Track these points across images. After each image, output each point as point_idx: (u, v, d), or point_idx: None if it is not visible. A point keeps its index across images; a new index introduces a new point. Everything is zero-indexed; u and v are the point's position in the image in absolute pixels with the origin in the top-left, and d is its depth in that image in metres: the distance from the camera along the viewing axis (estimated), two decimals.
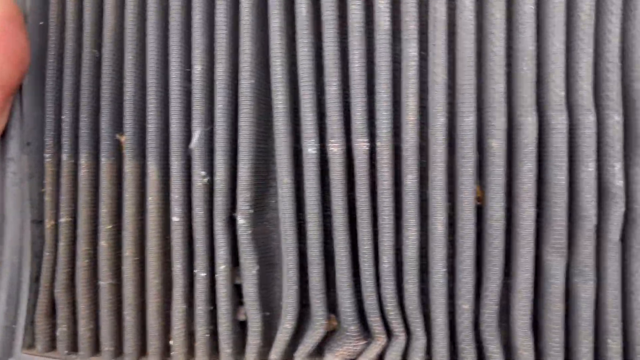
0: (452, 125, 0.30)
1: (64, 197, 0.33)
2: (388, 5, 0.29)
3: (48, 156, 0.34)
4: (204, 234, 0.31)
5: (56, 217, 0.34)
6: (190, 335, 0.32)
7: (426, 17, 0.30)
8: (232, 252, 0.31)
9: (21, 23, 0.33)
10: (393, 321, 0.30)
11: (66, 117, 0.34)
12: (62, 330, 0.33)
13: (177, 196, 0.32)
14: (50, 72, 0.34)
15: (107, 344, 0.33)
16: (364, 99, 0.30)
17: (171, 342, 0.32)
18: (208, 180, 0.32)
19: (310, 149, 0.30)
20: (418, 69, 0.29)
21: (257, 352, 0.31)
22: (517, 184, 0.29)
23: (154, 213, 0.32)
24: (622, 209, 0.28)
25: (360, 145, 0.30)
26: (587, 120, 0.28)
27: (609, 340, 0.29)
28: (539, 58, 0.29)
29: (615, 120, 0.28)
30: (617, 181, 0.28)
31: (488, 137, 0.29)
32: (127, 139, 0.32)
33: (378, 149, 0.30)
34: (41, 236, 0.34)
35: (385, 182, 0.29)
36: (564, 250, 0.29)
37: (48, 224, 0.34)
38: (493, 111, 0.29)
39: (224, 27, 0.31)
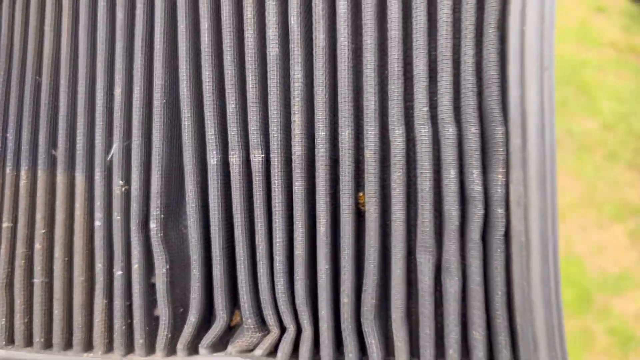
0: (336, 138, 0.33)
1: (6, 206, 0.38)
2: (276, 34, 0.33)
3: None
4: (121, 237, 0.35)
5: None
6: (110, 328, 0.36)
7: (311, 44, 0.34)
8: (147, 253, 0.35)
9: None
10: (284, 315, 0.33)
11: (10, 135, 0.38)
12: (0, 324, 0.37)
13: (98, 203, 0.36)
14: None
15: (37, 336, 0.37)
16: (258, 116, 0.33)
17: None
18: (126, 189, 0.36)
19: (212, 159, 0.34)
20: (303, 89, 0.33)
21: (167, 344, 0.35)
22: (390, 190, 0.32)
23: (81, 218, 0.36)
24: (482, 211, 0.31)
25: (256, 156, 0.34)
26: (448, 132, 0.31)
27: (474, 332, 0.31)
28: (407, 77, 0.32)
29: (472, 132, 0.31)
30: (475, 186, 0.31)
31: (365, 148, 0.33)
32: (59, 153, 0.37)
33: (271, 159, 0.33)
34: None
35: (277, 189, 0.33)
36: (432, 250, 0.32)
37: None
38: (367, 125, 0.32)
39: (140, 56, 0.35)
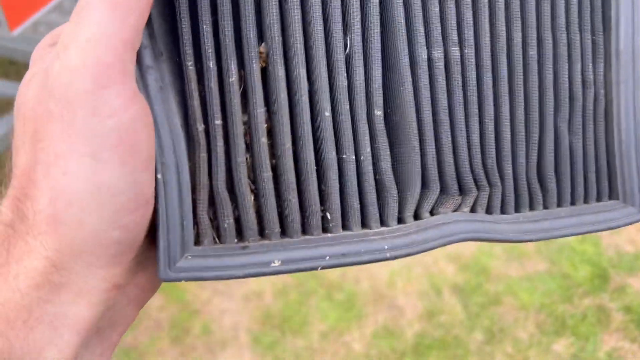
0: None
1: (215, 101, 0.36)
2: None
3: (189, 64, 0.36)
4: (350, 125, 0.38)
5: (205, 120, 0.36)
6: (342, 209, 0.39)
7: None
8: (373, 138, 0.39)
9: None
10: (480, 178, 0.42)
11: (207, 27, 0.36)
12: (229, 222, 0.36)
13: (324, 95, 0.38)
14: None
15: (275, 226, 0.37)
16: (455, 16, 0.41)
17: (328, 216, 0.38)
18: (347, 83, 0.39)
19: (422, 54, 0.40)
20: None
21: (394, 213, 0.40)
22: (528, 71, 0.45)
23: (307, 109, 0.38)
24: (593, 91, 0.46)
25: (455, 52, 0.41)
26: (576, 36, 0.45)
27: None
28: None
29: (588, 37, 0.45)
30: (589, 74, 0.46)
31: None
32: (274, 46, 0.37)
33: (466, 56, 0.41)
34: (189, 139, 0.36)
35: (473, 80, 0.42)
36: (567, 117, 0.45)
37: (199, 127, 0.36)
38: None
39: None
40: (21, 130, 0.31)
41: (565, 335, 1.81)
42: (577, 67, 0.45)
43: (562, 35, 0.44)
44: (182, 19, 0.36)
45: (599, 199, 0.48)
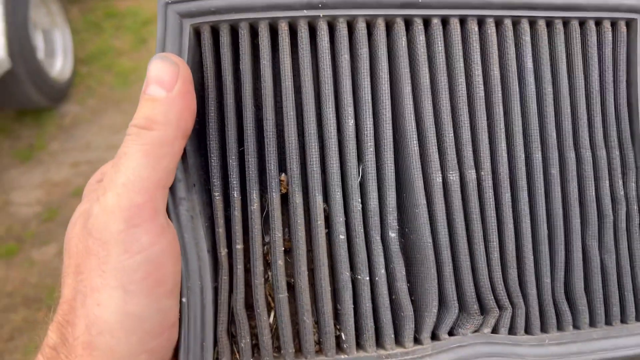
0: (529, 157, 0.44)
1: (237, 227, 0.40)
2: (480, 80, 0.43)
3: (217, 195, 0.40)
4: (364, 247, 0.41)
5: (228, 245, 0.40)
6: (356, 328, 0.40)
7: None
8: (387, 259, 0.41)
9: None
10: (502, 298, 0.42)
11: (233, 161, 0.40)
12: (245, 342, 0.39)
13: (340, 219, 0.40)
14: (212, 124, 0.41)
15: (289, 347, 0.39)
16: (468, 134, 0.43)
17: (342, 336, 0.40)
18: (361, 207, 0.41)
19: (437, 178, 0.42)
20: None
21: (410, 334, 0.41)
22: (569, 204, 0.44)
23: (322, 233, 0.40)
24: (624, 209, 0.45)
25: (470, 174, 0.42)
26: (602, 153, 0.45)
27: (626, 293, 0.45)
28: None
29: (615, 154, 0.45)
30: (620, 191, 0.45)
31: (552, 167, 0.44)
32: (293, 176, 0.40)
33: (483, 177, 0.43)
34: (213, 263, 0.40)
35: (490, 203, 0.42)
36: (597, 237, 0.44)
37: (223, 251, 0.40)
38: (565, 147, 0.44)
39: (366, 91, 0.41)
40: (67, 263, 0.36)
41: None
42: (605, 184, 0.45)
43: (587, 153, 0.44)
44: (212, 155, 0.40)
45: (639, 318, 0.45)
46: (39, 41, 2.27)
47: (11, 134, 2.32)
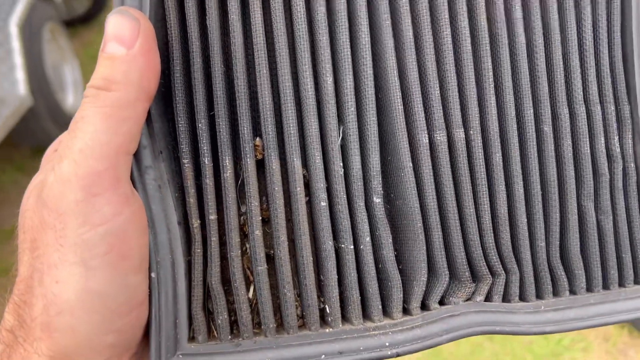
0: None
1: (210, 197, 0.37)
2: (467, 31, 0.40)
3: (186, 162, 0.37)
4: (347, 215, 0.38)
5: (201, 216, 0.37)
6: (343, 300, 0.38)
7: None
8: (372, 227, 0.38)
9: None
10: (494, 264, 0.40)
11: (202, 125, 0.37)
12: (223, 318, 0.36)
13: (320, 185, 0.38)
14: (178, 86, 0.37)
15: (270, 322, 0.36)
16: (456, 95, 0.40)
17: (327, 309, 0.37)
18: (343, 172, 0.38)
19: (423, 139, 0.39)
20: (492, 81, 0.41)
21: (399, 304, 0.38)
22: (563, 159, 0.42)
23: (302, 201, 0.37)
24: (621, 166, 0.43)
25: (458, 134, 0.40)
26: (597, 109, 0.42)
27: (623, 255, 0.43)
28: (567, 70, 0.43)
29: (611, 109, 0.43)
30: (616, 149, 0.42)
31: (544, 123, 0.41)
32: (268, 140, 0.37)
33: (472, 137, 0.40)
34: (185, 236, 0.37)
35: (480, 164, 0.40)
36: (593, 198, 0.42)
37: (195, 223, 0.37)
38: (542, 104, 0.41)
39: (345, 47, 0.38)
40: (22, 239, 0.33)
41: None
42: (600, 140, 0.42)
43: (580, 109, 0.42)
44: (179, 118, 0.37)
45: (637, 281, 0.43)
46: (52, 76, 2.20)
47: (29, 172, 2.26)
